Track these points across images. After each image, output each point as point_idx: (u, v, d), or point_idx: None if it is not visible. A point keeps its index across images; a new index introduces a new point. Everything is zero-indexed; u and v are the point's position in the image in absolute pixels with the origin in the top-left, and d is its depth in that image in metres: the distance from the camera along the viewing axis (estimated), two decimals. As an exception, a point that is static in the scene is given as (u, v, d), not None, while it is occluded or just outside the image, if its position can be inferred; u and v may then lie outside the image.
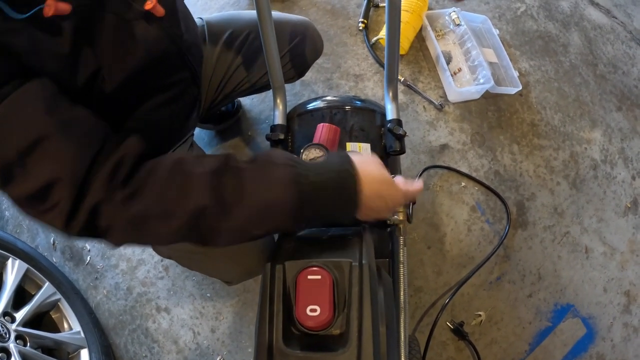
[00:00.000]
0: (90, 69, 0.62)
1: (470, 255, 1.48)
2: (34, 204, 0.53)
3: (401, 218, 0.87)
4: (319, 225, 0.75)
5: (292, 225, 0.61)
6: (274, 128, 0.99)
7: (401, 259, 0.87)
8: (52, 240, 1.54)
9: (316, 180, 0.60)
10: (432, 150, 1.61)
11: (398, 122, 0.96)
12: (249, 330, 1.39)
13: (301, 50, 1.14)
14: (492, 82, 1.60)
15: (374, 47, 1.76)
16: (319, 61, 1.26)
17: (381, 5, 1.84)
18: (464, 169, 1.59)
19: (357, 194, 0.61)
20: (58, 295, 1.31)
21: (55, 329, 1.30)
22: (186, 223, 0.56)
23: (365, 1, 1.82)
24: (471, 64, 1.71)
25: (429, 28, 1.74)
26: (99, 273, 1.49)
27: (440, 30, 1.81)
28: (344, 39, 1.80)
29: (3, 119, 0.50)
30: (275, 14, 0.99)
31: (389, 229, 0.92)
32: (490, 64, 1.72)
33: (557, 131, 1.70)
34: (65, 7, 0.53)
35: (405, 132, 0.95)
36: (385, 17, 0.92)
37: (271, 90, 1.03)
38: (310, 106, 1.00)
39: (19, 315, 1.20)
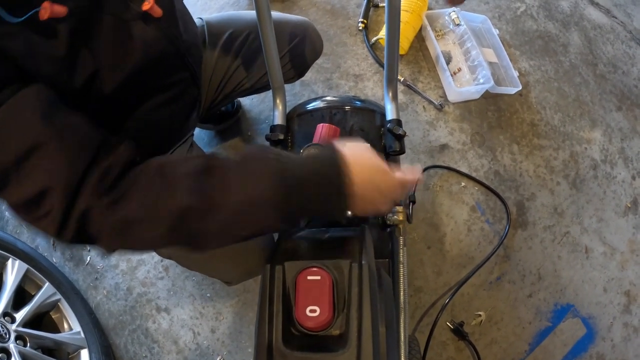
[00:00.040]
0: (88, 71, 0.62)
1: (470, 255, 1.48)
2: (29, 210, 0.53)
3: (401, 218, 0.87)
4: (316, 224, 0.74)
5: (280, 222, 0.58)
6: (273, 128, 0.99)
7: (401, 259, 0.87)
8: (52, 241, 1.54)
9: (300, 173, 0.57)
10: (432, 150, 1.61)
11: (398, 122, 0.96)
12: (249, 331, 1.39)
13: (301, 51, 1.14)
14: (492, 82, 1.60)
15: (373, 47, 1.76)
16: (318, 61, 1.26)
17: (381, 5, 1.84)
18: (464, 169, 1.59)
19: (346, 183, 0.57)
20: (58, 296, 1.31)
21: (55, 329, 1.30)
22: (170, 226, 0.55)
23: (365, 1, 1.82)
24: (471, 64, 1.71)
25: (428, 28, 1.74)
26: (99, 273, 1.49)
27: (440, 30, 1.81)
28: (344, 39, 1.80)
29: (0, 124, 0.50)
30: (275, 14, 0.99)
31: (388, 229, 0.92)
32: (490, 63, 1.72)
33: (557, 131, 1.70)
34: (61, 10, 0.53)
35: (405, 132, 0.95)
36: (385, 17, 0.92)
37: (271, 90, 1.03)
38: (310, 106, 1.00)
39: (19, 315, 1.20)
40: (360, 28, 1.79)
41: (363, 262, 0.60)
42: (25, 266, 1.27)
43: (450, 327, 1.39)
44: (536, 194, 1.59)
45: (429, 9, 1.82)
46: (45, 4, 0.51)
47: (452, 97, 1.68)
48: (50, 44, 0.56)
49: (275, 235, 1.04)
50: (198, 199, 0.54)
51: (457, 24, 1.75)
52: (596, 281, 1.51)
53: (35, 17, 0.51)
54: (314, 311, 0.56)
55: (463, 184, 1.57)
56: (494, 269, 1.48)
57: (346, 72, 1.73)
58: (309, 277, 0.58)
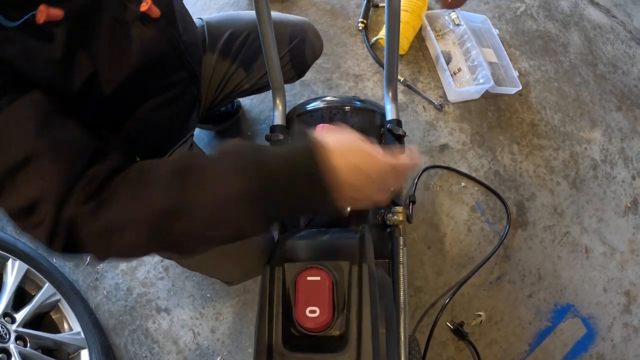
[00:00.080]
0: (86, 73, 0.61)
1: (470, 256, 1.48)
2: (23, 218, 0.53)
3: (401, 218, 0.87)
4: (317, 225, 0.73)
5: (261, 221, 0.55)
6: (273, 129, 0.99)
7: (401, 259, 0.87)
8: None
9: (276, 165, 0.52)
10: (432, 150, 1.61)
11: (398, 122, 0.96)
12: (249, 331, 1.39)
13: (301, 51, 1.14)
14: (492, 82, 1.60)
15: (373, 47, 1.76)
16: (318, 61, 1.26)
17: (381, 5, 1.84)
18: (464, 169, 1.59)
19: (325, 172, 0.51)
20: (58, 296, 1.31)
21: (56, 329, 1.30)
22: (150, 229, 0.53)
23: (365, 1, 1.82)
24: (471, 64, 1.71)
25: (428, 28, 1.74)
26: (99, 274, 1.49)
27: (440, 30, 1.81)
28: (344, 39, 1.80)
29: None
30: (275, 14, 0.99)
31: (388, 230, 0.92)
32: (490, 63, 1.72)
33: (557, 131, 1.70)
34: (58, 13, 0.53)
35: (405, 133, 0.95)
36: (385, 17, 0.92)
37: (271, 90, 1.03)
38: (310, 107, 1.00)
39: (19, 316, 1.20)
40: (360, 28, 1.79)
41: (363, 262, 0.60)
42: (25, 266, 1.27)
43: (450, 327, 1.39)
44: (536, 194, 1.59)
45: (429, 9, 1.82)
46: (42, 7, 0.51)
47: (452, 97, 1.68)
48: (47, 48, 0.55)
49: (276, 236, 1.04)
50: (173, 199, 0.52)
51: (457, 24, 1.76)
52: (596, 281, 1.51)
53: (32, 20, 0.51)
54: (314, 312, 0.56)
55: (463, 184, 1.57)
56: (494, 269, 1.48)
57: (346, 72, 1.73)
58: (309, 278, 0.58)
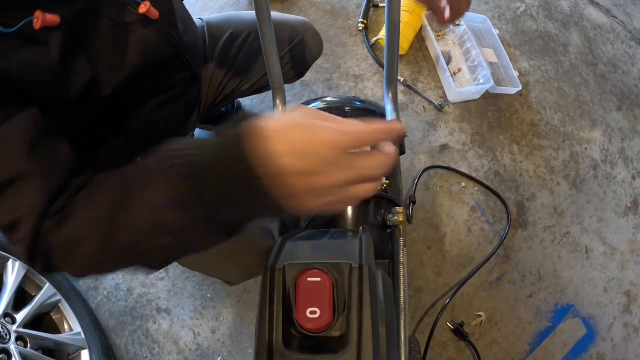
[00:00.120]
0: (85, 78, 0.61)
1: (471, 256, 1.48)
2: (7, 234, 0.52)
3: (401, 219, 0.87)
4: (317, 225, 0.71)
5: (197, 224, 0.47)
6: (273, 129, 0.99)
7: (401, 260, 0.87)
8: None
9: (201, 158, 0.45)
10: (432, 151, 1.61)
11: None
12: (250, 331, 1.39)
13: (301, 51, 1.14)
14: (492, 82, 1.60)
15: (373, 48, 1.76)
16: (318, 62, 1.26)
17: (381, 5, 1.84)
18: (464, 170, 1.59)
19: (257, 157, 0.40)
20: (58, 297, 1.31)
21: (56, 330, 1.30)
22: (100, 243, 0.50)
23: (365, 1, 1.82)
24: (471, 64, 1.71)
25: (428, 28, 1.74)
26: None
27: (440, 31, 1.81)
28: (344, 39, 1.80)
29: None
30: (275, 14, 0.99)
31: (388, 230, 0.92)
32: (490, 64, 1.72)
33: (557, 131, 1.70)
34: (54, 19, 0.53)
35: (406, 133, 0.95)
36: (385, 18, 0.92)
37: (271, 91, 1.03)
38: (310, 107, 1.00)
39: (20, 316, 1.20)
40: (360, 28, 1.79)
41: (363, 263, 0.60)
42: (25, 267, 1.27)
43: (450, 328, 1.39)
44: (536, 194, 1.59)
45: (429, 9, 1.82)
46: (38, 13, 0.51)
47: (452, 97, 1.68)
48: (44, 54, 0.55)
49: (276, 236, 1.04)
50: (111, 211, 0.49)
51: (457, 24, 1.76)
52: (596, 281, 1.51)
53: (28, 27, 0.51)
54: (315, 313, 0.56)
55: (463, 184, 1.57)
56: (494, 269, 1.48)
57: (346, 72, 1.73)
58: (309, 279, 0.58)
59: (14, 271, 1.24)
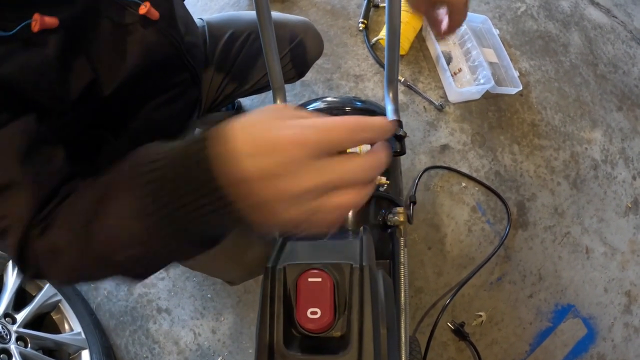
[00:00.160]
0: (85, 81, 0.61)
1: (471, 256, 1.48)
2: None
3: (402, 219, 0.87)
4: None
5: (164, 235, 0.43)
6: (274, 129, 0.99)
7: (402, 260, 0.87)
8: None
9: (161, 164, 0.41)
10: (432, 151, 1.61)
11: (398, 122, 0.96)
12: (250, 331, 1.39)
13: (301, 51, 1.14)
14: (493, 82, 1.60)
15: (374, 48, 1.76)
16: (319, 62, 1.26)
17: (381, 5, 1.84)
18: (465, 170, 1.58)
19: (217, 158, 0.36)
20: (59, 297, 1.31)
21: (56, 330, 1.30)
22: (77, 251, 0.48)
23: (366, 1, 1.82)
24: (471, 64, 1.71)
25: (429, 28, 1.74)
26: (99, 274, 1.49)
27: (441, 31, 1.81)
28: (344, 39, 1.80)
29: None
30: (275, 14, 0.99)
31: (389, 230, 0.92)
32: (491, 64, 1.72)
33: (557, 131, 1.70)
34: (52, 21, 0.52)
35: (406, 133, 0.95)
36: (386, 18, 0.92)
37: (271, 91, 1.03)
38: (311, 107, 1.00)
39: (20, 316, 1.20)
40: (361, 28, 1.79)
41: (364, 263, 0.60)
42: (26, 267, 1.27)
43: (451, 328, 1.39)
44: (537, 194, 1.59)
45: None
46: (36, 16, 0.50)
47: (452, 97, 1.68)
48: (43, 56, 0.54)
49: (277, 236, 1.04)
50: (85, 218, 0.47)
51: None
52: (597, 281, 1.51)
53: (27, 30, 0.50)
54: (315, 313, 0.56)
55: (464, 184, 1.57)
56: (495, 269, 1.48)
57: (347, 72, 1.73)
58: (310, 279, 0.58)
59: (14, 271, 1.24)
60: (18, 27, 0.50)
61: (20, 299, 1.25)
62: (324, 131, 0.36)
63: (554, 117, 1.72)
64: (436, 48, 1.70)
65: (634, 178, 1.67)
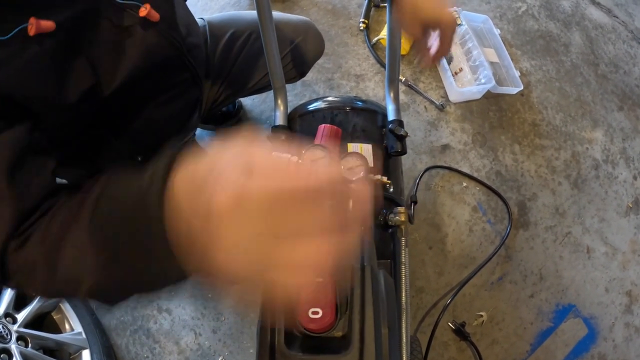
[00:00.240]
0: (85, 84, 0.61)
1: (472, 256, 1.48)
2: None
3: (403, 219, 0.87)
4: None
5: (113, 275, 0.43)
6: (275, 129, 0.99)
7: (403, 260, 0.87)
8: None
9: (114, 202, 0.41)
10: (433, 151, 1.61)
11: (399, 122, 0.96)
12: (251, 331, 1.39)
13: (302, 51, 1.14)
14: (494, 82, 1.60)
15: (375, 47, 1.75)
16: (319, 61, 1.26)
17: (382, 5, 1.84)
18: (466, 169, 1.58)
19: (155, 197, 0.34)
20: (59, 296, 1.31)
21: (57, 329, 1.30)
22: (45, 271, 0.47)
23: (366, 1, 1.81)
24: (472, 64, 1.71)
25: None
26: (100, 274, 1.49)
27: (441, 30, 1.81)
28: (345, 39, 1.80)
29: None
30: (276, 14, 0.99)
31: (390, 230, 0.91)
32: (492, 63, 1.72)
33: (558, 131, 1.70)
34: (49, 25, 0.52)
35: (407, 133, 0.95)
36: (387, 17, 0.92)
37: (272, 90, 1.03)
38: (312, 107, 1.00)
39: (20, 316, 1.20)
40: (362, 28, 1.79)
41: (365, 264, 0.60)
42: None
43: (451, 328, 1.39)
44: (538, 194, 1.59)
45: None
46: (32, 20, 0.50)
47: (453, 97, 1.68)
48: (39, 61, 0.54)
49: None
50: (54, 240, 0.46)
51: (459, 24, 1.75)
52: (598, 281, 1.51)
53: (23, 33, 0.50)
54: (317, 313, 0.56)
55: (464, 184, 1.57)
56: (496, 269, 1.48)
57: (347, 72, 1.73)
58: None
59: (15, 271, 1.24)
60: (14, 32, 0.49)
61: (21, 299, 1.24)
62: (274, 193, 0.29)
63: (555, 116, 1.72)
64: (437, 48, 1.70)
65: (634, 178, 1.67)
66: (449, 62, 1.72)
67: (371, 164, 0.89)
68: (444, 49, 0.78)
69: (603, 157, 1.68)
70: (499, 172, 1.60)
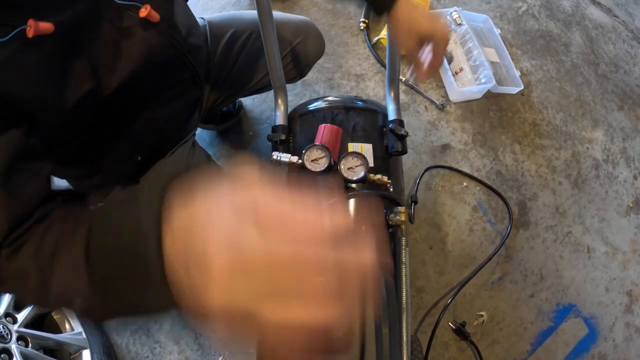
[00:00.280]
0: (85, 87, 0.60)
1: (472, 255, 1.48)
2: None
3: (403, 219, 0.87)
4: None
5: (100, 310, 0.44)
6: (275, 128, 0.99)
7: (403, 259, 0.87)
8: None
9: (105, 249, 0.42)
10: (433, 150, 1.61)
11: (400, 122, 0.96)
12: (251, 331, 1.39)
13: (302, 51, 1.14)
14: (494, 82, 1.60)
15: (375, 47, 1.75)
16: (320, 61, 1.26)
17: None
18: (466, 169, 1.58)
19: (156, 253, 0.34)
20: (60, 296, 1.31)
21: (57, 329, 1.30)
22: (36, 286, 0.47)
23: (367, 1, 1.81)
24: (473, 64, 1.71)
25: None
26: (100, 273, 1.48)
27: (442, 30, 1.81)
28: (345, 38, 1.79)
29: None
30: (277, 14, 0.99)
31: (390, 230, 0.91)
32: (492, 63, 1.72)
33: (558, 131, 1.70)
34: (47, 26, 0.51)
35: (407, 133, 0.95)
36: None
37: (272, 90, 1.03)
38: (312, 106, 1.00)
39: (21, 316, 1.19)
40: (362, 28, 1.78)
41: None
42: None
43: (452, 328, 1.39)
44: (538, 194, 1.59)
45: (431, 8, 1.82)
46: (30, 22, 0.50)
47: (453, 96, 1.68)
48: (38, 62, 0.54)
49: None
50: (47, 255, 0.46)
51: (459, 24, 1.75)
52: (598, 281, 1.51)
53: (21, 35, 0.50)
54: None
55: (465, 184, 1.57)
56: (496, 269, 1.48)
57: (348, 72, 1.73)
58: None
59: (15, 271, 1.24)
60: (12, 33, 0.49)
61: (21, 299, 1.25)
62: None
63: (555, 116, 1.72)
64: (437, 47, 1.70)
65: (635, 178, 1.67)
66: (450, 61, 1.72)
67: (371, 163, 0.89)
68: (438, 62, 0.82)
69: (603, 157, 1.68)
70: (500, 171, 1.60)
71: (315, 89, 1.69)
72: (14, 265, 0.47)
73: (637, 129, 1.75)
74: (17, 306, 1.22)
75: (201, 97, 0.96)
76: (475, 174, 1.58)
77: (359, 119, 0.96)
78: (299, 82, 1.56)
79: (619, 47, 1.91)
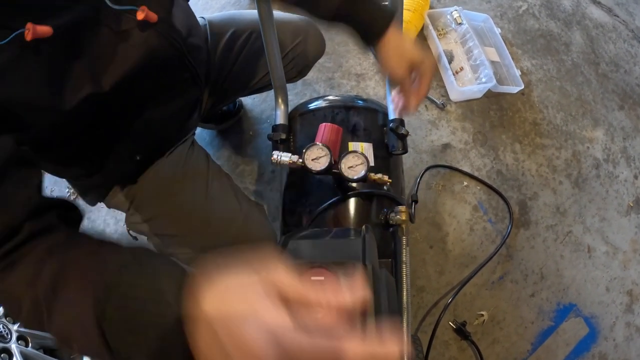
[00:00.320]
0: (85, 89, 0.60)
1: (473, 255, 1.48)
2: None
3: (403, 218, 0.87)
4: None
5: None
6: (275, 128, 0.99)
7: (404, 259, 0.87)
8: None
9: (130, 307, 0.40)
10: (434, 150, 1.61)
11: (400, 121, 0.96)
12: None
13: (303, 50, 1.13)
14: (494, 81, 1.59)
15: (375, 47, 1.75)
16: (320, 60, 1.26)
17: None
18: (466, 168, 1.58)
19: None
20: (60, 296, 1.31)
21: (57, 329, 1.30)
22: (29, 310, 0.46)
23: (367, 0, 1.81)
24: (473, 63, 1.71)
25: (430, 27, 1.73)
26: (100, 273, 1.48)
27: (442, 29, 1.81)
28: (346, 38, 1.79)
29: None
30: (277, 13, 0.99)
31: (391, 229, 0.91)
32: (492, 62, 1.72)
33: (559, 130, 1.69)
34: (46, 30, 0.51)
35: (408, 132, 0.95)
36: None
37: (272, 89, 1.03)
38: (312, 106, 1.00)
39: (21, 315, 1.20)
40: (362, 27, 1.78)
41: (366, 262, 0.59)
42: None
43: (452, 327, 1.39)
44: (538, 193, 1.58)
45: (431, 7, 1.82)
46: (29, 25, 0.49)
47: (454, 96, 1.68)
48: (36, 66, 0.53)
49: (279, 235, 1.04)
50: (45, 289, 0.45)
51: (459, 23, 1.75)
52: (599, 281, 1.51)
53: (20, 39, 0.49)
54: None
55: (465, 183, 1.56)
56: (497, 268, 1.47)
57: (348, 71, 1.73)
58: (313, 278, 0.58)
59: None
60: (10, 37, 0.49)
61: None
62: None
63: (555, 116, 1.72)
64: (438, 47, 1.70)
65: (635, 177, 1.66)
66: (450, 61, 1.72)
67: (372, 162, 0.89)
68: (425, 90, 0.84)
69: (604, 156, 1.68)
70: (500, 171, 1.60)
71: (316, 89, 1.69)
72: (6, 285, 0.46)
73: (637, 129, 1.75)
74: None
75: (201, 96, 0.96)
76: (476, 174, 1.58)
77: (360, 118, 0.96)
78: (299, 82, 1.56)
79: (619, 46, 1.91)
